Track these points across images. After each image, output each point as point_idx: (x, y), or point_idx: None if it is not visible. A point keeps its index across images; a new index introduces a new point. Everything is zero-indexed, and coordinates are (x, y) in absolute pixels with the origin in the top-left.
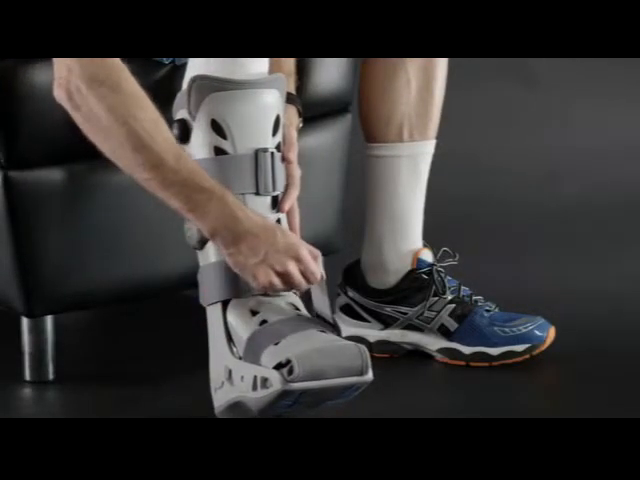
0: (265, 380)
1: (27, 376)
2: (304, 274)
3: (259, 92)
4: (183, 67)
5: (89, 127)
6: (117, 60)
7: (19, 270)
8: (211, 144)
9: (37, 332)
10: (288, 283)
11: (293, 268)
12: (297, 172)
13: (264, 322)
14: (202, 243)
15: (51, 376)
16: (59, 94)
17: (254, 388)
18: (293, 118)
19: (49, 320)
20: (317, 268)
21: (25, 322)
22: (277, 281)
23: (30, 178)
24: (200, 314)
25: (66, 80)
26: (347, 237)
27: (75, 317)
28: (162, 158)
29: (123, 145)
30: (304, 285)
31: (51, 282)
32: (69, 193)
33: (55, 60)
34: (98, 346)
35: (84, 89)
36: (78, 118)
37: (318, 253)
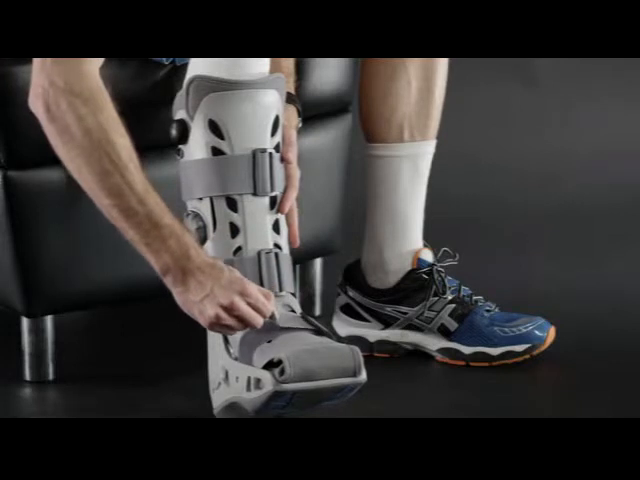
0: (258, 381)
1: (27, 376)
2: (254, 307)
3: (257, 92)
4: (183, 67)
5: (60, 142)
6: (100, 81)
7: (19, 270)
8: (208, 144)
9: (37, 332)
10: (237, 318)
11: (239, 301)
12: (296, 173)
13: None
14: (201, 243)
15: (51, 376)
16: (36, 104)
17: (248, 389)
18: (292, 118)
19: (49, 320)
20: (267, 303)
21: (25, 322)
22: (224, 315)
23: (30, 178)
24: None
25: (45, 91)
26: (347, 237)
27: (75, 317)
28: (131, 187)
29: (93, 167)
30: (256, 318)
31: (51, 282)
32: (69, 193)
33: (35, 68)
34: (98, 346)
35: (64, 105)
36: (51, 131)
37: (270, 293)
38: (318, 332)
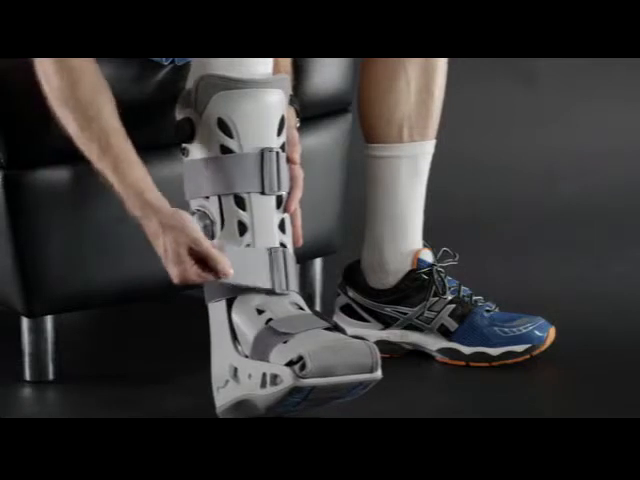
0: (275, 377)
1: (27, 376)
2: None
3: (266, 92)
4: (184, 67)
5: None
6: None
7: (19, 270)
8: (217, 143)
9: (37, 332)
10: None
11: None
12: (300, 173)
13: (270, 320)
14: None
15: (51, 376)
16: (39, 72)
17: (263, 385)
18: (291, 118)
19: (49, 320)
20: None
21: (25, 322)
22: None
23: (30, 178)
24: (201, 314)
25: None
26: (347, 237)
27: (75, 317)
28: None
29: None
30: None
31: (51, 282)
32: (69, 193)
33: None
34: (98, 346)
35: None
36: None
37: (224, 263)
38: (331, 328)
